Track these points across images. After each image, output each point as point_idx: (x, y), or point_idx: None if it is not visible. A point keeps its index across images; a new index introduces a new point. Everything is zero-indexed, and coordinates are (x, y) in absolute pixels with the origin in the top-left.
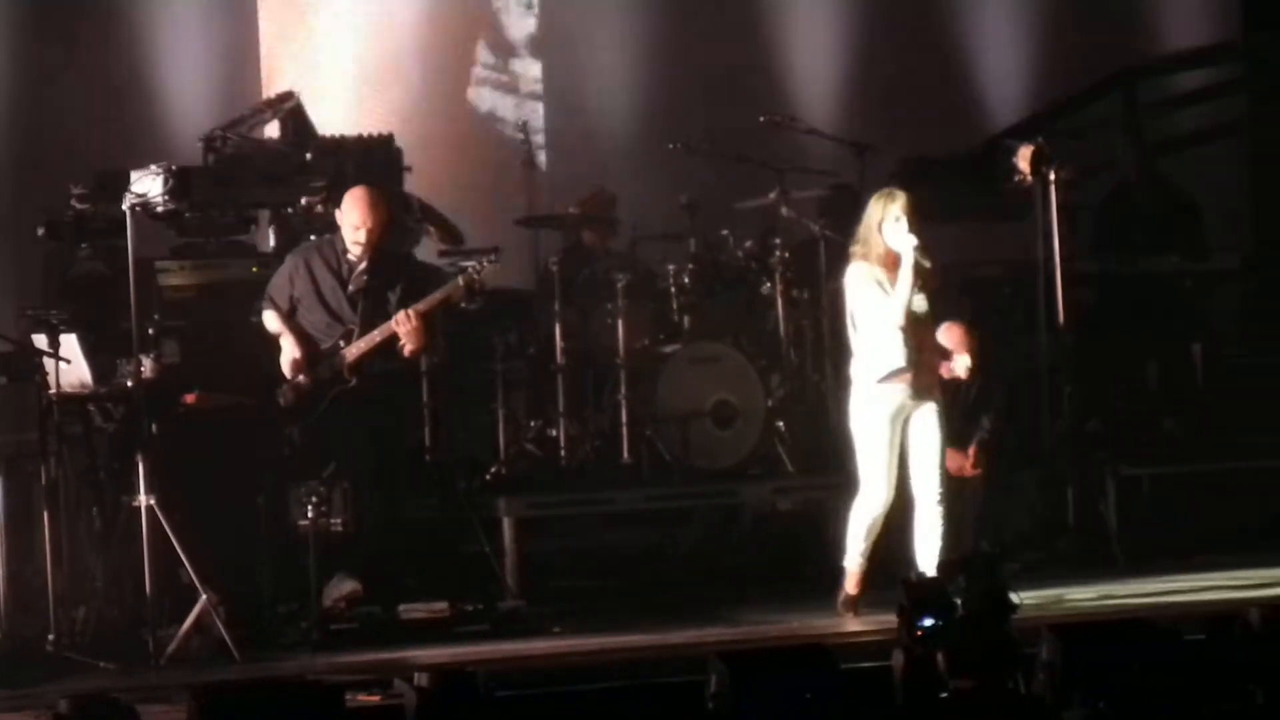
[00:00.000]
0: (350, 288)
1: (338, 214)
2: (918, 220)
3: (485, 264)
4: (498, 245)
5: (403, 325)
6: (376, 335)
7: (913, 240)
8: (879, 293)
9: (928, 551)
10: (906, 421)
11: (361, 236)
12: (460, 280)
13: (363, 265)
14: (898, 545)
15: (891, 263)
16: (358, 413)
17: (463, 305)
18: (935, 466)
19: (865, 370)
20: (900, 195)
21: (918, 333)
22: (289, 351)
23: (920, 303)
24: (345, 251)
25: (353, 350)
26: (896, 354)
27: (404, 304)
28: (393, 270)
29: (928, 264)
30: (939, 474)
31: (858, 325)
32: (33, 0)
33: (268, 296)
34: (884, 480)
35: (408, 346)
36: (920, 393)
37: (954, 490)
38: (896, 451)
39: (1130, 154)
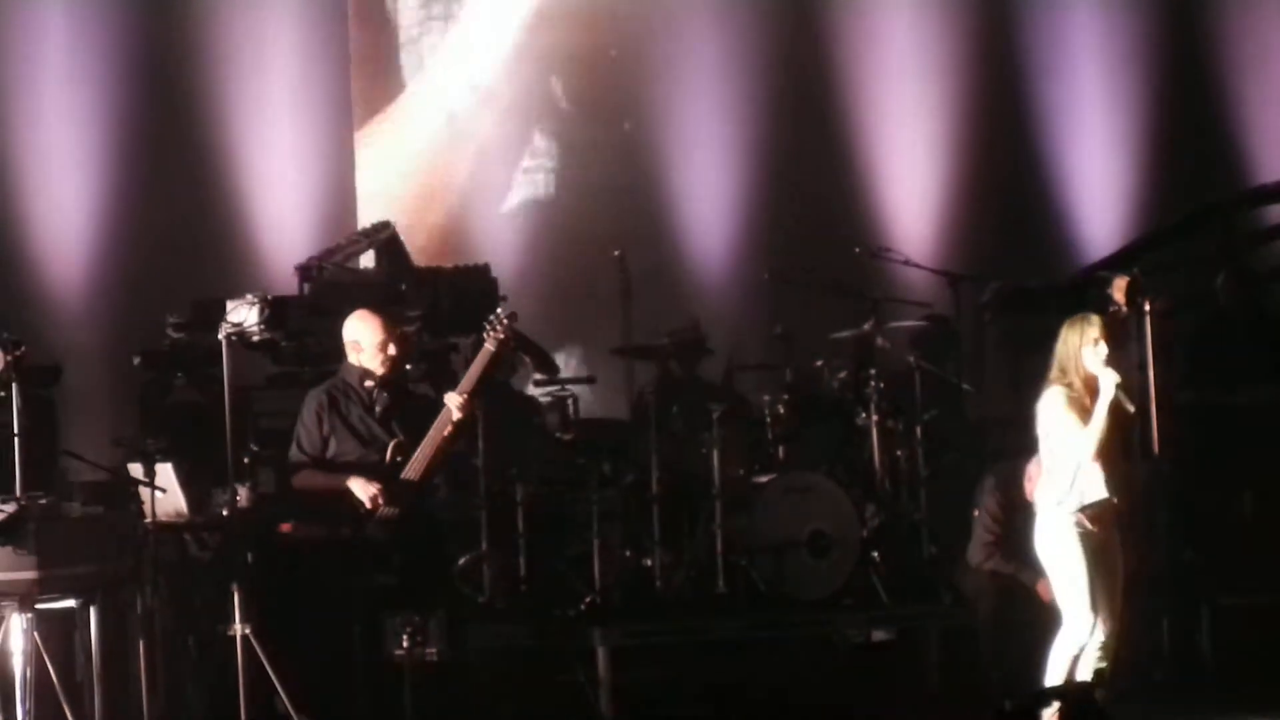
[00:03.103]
0: (378, 409)
1: (352, 349)
2: (1115, 343)
3: (505, 317)
4: (593, 375)
5: (456, 406)
6: (434, 434)
7: (1115, 377)
8: (1077, 424)
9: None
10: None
11: (391, 350)
12: (488, 345)
13: (376, 389)
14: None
15: (1092, 389)
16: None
17: (558, 436)
18: (1118, 594)
19: (1059, 500)
20: (1095, 319)
21: (1105, 463)
22: (362, 487)
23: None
24: (363, 380)
25: (419, 461)
26: (1093, 485)
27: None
28: (401, 389)
29: (1131, 408)
30: (1120, 601)
31: (1055, 453)
32: (129, 129)
33: (297, 455)
34: (1087, 608)
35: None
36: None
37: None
38: (1098, 577)
39: (1227, 284)
